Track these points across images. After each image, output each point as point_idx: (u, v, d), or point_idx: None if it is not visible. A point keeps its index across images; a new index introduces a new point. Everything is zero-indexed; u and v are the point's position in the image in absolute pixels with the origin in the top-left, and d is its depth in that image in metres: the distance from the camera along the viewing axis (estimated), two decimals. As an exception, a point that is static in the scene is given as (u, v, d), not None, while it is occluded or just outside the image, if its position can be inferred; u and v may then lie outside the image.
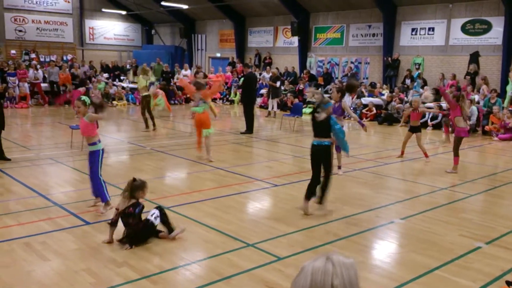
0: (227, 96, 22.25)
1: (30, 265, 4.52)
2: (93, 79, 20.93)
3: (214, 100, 21.97)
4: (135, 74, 19.91)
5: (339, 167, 8.57)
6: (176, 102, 21.10)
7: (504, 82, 15.24)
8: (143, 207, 5.19)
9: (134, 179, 5.15)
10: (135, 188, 5.10)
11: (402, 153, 10.13)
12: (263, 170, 8.85)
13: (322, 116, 6.04)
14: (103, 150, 6.10)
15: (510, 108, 13.56)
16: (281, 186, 7.68)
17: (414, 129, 9.80)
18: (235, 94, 21.70)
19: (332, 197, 7.06)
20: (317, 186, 6.26)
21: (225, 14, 24.63)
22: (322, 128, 6.07)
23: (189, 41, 27.71)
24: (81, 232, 5.43)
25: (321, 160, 6.16)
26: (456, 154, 8.93)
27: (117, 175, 8.04)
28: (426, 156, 9.83)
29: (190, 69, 23.14)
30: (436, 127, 14.83)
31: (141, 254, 4.83)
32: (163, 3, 23.95)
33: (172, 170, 8.91)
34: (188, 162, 9.34)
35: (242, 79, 15.84)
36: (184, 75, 22.47)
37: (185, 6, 24.07)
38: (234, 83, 22.13)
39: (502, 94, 14.76)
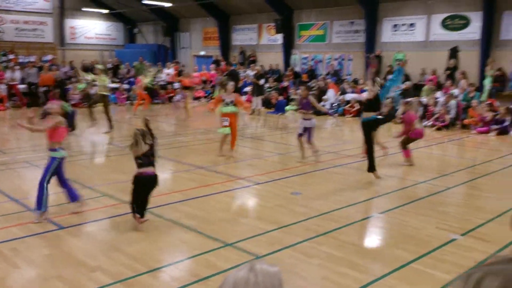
0: (211, 95, 22.21)
1: (0, 273, 4.43)
2: (72, 79, 20.69)
3: (198, 98, 21.95)
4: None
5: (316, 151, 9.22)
6: (159, 101, 21.00)
7: (482, 77, 15.45)
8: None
9: (138, 129, 5.46)
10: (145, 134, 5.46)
11: (383, 148, 10.21)
12: (246, 169, 8.89)
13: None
14: (61, 159, 5.87)
15: (488, 102, 13.78)
16: (264, 184, 7.72)
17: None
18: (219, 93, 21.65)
19: (313, 193, 7.15)
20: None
21: (209, 12, 24.56)
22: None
23: (173, 40, 27.60)
24: (53, 237, 5.35)
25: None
26: (405, 148, 9.08)
27: (95, 177, 8.01)
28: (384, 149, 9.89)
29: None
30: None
31: (115, 257, 4.79)
32: (145, 1, 23.77)
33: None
34: (169, 162, 9.33)
35: (225, 77, 15.87)
36: (167, 74, 22.43)
37: (168, 4, 23.92)
38: (217, 81, 22.08)
39: (481, 88, 14.99)
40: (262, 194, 7.22)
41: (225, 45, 25.09)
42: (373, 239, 5.67)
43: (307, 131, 9.12)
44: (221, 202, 6.74)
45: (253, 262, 1.24)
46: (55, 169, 5.86)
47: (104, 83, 12.95)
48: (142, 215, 5.50)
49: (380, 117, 8.16)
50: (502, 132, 12.80)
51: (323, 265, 4.70)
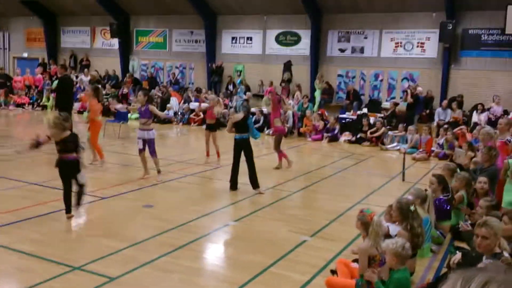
0: (39, 101, 19.99)
1: None
2: None
3: (22, 105, 19.55)
4: None
5: (159, 172, 8.32)
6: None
7: (313, 89, 17.03)
8: None
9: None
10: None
11: (208, 153, 10.39)
12: (87, 182, 8.07)
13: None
14: None
15: (319, 112, 15.19)
16: (110, 198, 7.11)
17: (211, 127, 10.24)
18: (48, 99, 19.60)
19: (166, 205, 6.85)
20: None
21: (33, 11, 22.18)
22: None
23: (-13, 39, 24.23)
24: None
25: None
26: (279, 151, 9.61)
27: None
28: (218, 156, 10.14)
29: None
30: (259, 130, 15.64)
31: None
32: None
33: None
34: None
35: (56, 82, 14.35)
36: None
37: (-20, 0, 20.94)
38: (46, 87, 20.00)
39: (312, 99, 16.48)
40: (109, 209, 6.63)
41: (53, 48, 22.97)
42: (230, 247, 5.63)
43: (148, 144, 8.22)
44: (62, 221, 5.96)
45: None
46: None
47: None
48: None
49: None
50: (333, 139, 14.23)
51: (185, 280, 4.49)
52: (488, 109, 14.25)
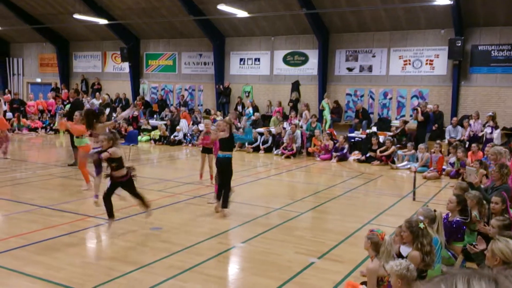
0: (51, 125, 20.29)
1: None
2: None
3: (35, 129, 19.85)
4: None
5: (96, 196, 7.70)
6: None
7: (321, 108, 17.06)
8: None
9: None
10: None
11: (201, 176, 10.22)
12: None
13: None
14: None
15: (328, 132, 15.18)
16: (119, 220, 7.12)
17: (207, 150, 10.02)
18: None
19: (174, 227, 6.84)
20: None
21: (46, 37, 22.71)
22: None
23: (3, 65, 24.77)
24: None
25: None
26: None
27: None
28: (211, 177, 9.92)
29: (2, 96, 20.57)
30: (268, 150, 15.73)
31: None
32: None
33: (-18, 213, 7.58)
34: (3, 202, 8.08)
35: (68, 106, 14.61)
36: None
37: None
38: (59, 111, 20.32)
39: (320, 118, 16.49)
40: (117, 231, 6.63)
41: (65, 72, 23.41)
42: (237, 269, 5.59)
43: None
44: (70, 245, 5.98)
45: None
46: None
47: None
48: None
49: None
50: (342, 158, 14.18)
51: (191, 304, 4.43)
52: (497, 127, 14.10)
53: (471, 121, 14.20)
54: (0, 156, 12.55)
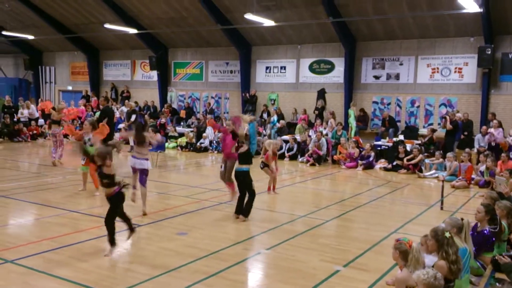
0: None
1: None
2: None
3: (66, 136, 20.37)
4: None
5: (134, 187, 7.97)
6: (21, 139, 19.03)
7: (347, 116, 16.97)
8: None
9: None
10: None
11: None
12: (124, 210, 8.27)
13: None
14: None
15: (354, 139, 15.07)
16: (146, 225, 7.27)
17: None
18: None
19: (200, 232, 6.92)
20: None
21: (77, 46, 23.39)
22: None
23: (36, 73, 25.60)
24: None
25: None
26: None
27: None
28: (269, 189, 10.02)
29: (37, 103, 21.23)
30: (293, 157, 15.72)
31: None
32: (4, 32, 21.78)
33: (16, 217, 7.82)
34: (36, 206, 8.33)
35: (98, 113, 15.00)
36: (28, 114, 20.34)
37: (30, 37, 22.23)
38: (89, 118, 20.81)
39: (346, 126, 16.40)
40: (144, 236, 6.76)
41: (95, 80, 24.02)
42: (262, 276, 5.60)
43: (138, 172, 7.98)
44: (99, 248, 6.12)
45: None
46: None
47: None
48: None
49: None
50: (368, 166, 14.05)
51: (216, 309, 4.48)
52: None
53: (491, 129, 13.81)
54: (57, 160, 12.99)
